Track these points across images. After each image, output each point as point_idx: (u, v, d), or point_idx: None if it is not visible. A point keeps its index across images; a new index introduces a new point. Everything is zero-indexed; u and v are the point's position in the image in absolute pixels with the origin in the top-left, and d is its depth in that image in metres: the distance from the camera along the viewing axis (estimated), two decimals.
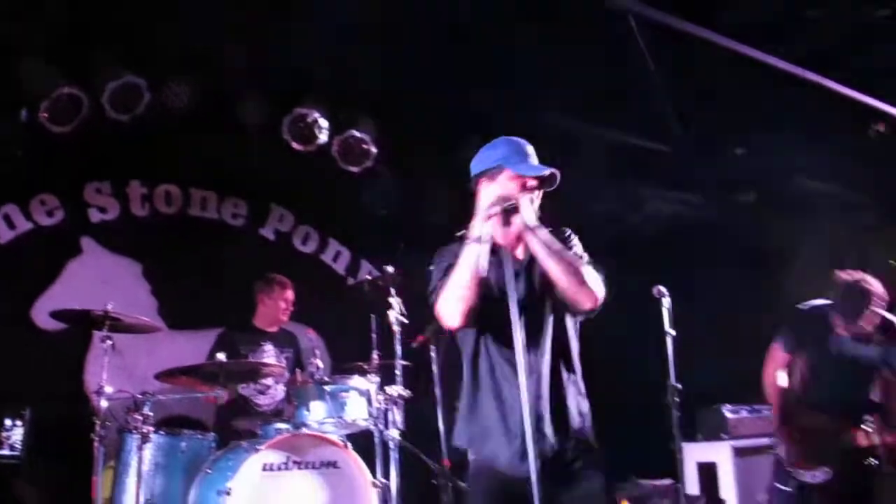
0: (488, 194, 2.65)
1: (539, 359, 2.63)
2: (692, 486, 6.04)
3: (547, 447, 2.54)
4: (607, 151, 6.34)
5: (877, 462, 4.22)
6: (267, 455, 3.96)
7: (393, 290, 4.60)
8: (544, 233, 2.65)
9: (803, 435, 4.39)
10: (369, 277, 4.97)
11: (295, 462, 4.03)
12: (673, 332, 4.01)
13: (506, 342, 2.56)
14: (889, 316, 4.38)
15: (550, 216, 2.79)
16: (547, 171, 2.72)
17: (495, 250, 2.66)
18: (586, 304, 2.66)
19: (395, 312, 4.53)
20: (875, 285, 4.36)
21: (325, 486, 4.05)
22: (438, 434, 5.04)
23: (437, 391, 5.04)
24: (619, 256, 6.58)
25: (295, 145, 5.62)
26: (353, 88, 5.68)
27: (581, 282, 2.62)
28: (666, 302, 3.97)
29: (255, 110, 5.51)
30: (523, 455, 2.43)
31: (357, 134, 5.76)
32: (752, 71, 5.16)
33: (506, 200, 2.60)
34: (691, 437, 6.09)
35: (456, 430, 2.76)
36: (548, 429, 2.57)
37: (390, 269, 4.59)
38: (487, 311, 2.59)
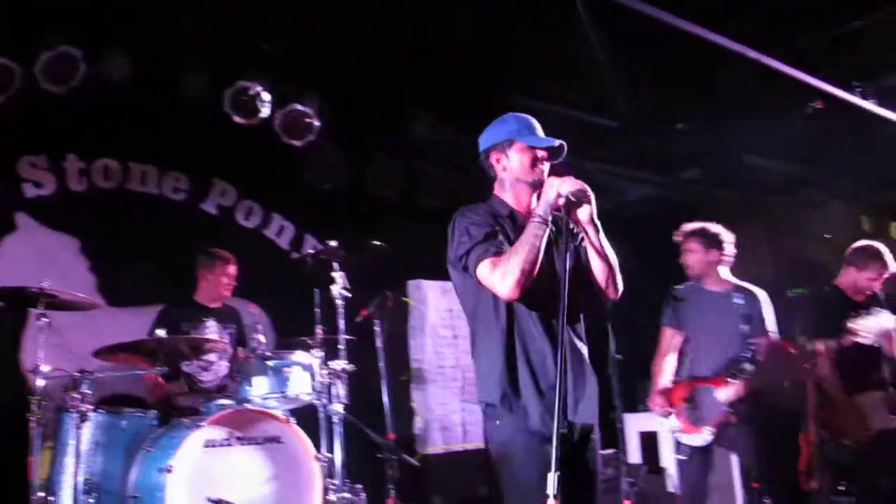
0: (559, 184, 2.68)
1: (567, 332, 2.71)
2: (634, 455, 6.16)
3: (574, 413, 2.75)
4: (554, 126, 6.35)
5: (735, 415, 4.29)
6: (209, 431, 3.92)
7: (336, 265, 4.59)
8: (600, 230, 2.80)
9: (686, 402, 4.48)
10: (312, 252, 4.92)
11: (238, 438, 4.00)
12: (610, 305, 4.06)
13: (542, 313, 2.75)
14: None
15: None
16: (556, 143, 2.89)
17: (514, 218, 2.87)
18: (611, 297, 2.91)
19: (339, 287, 4.52)
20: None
21: (268, 461, 4.03)
22: (383, 408, 5.06)
23: (382, 365, 5.05)
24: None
25: (237, 118, 5.53)
26: (297, 61, 5.60)
27: (615, 278, 2.86)
28: None
29: (197, 82, 5.39)
30: (551, 415, 2.48)
31: (300, 108, 5.68)
32: (695, 48, 5.20)
33: (580, 193, 2.66)
34: (633, 408, 6.21)
35: (485, 388, 2.82)
36: (575, 395, 2.77)
37: (333, 243, 4.57)
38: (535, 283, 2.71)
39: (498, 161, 2.96)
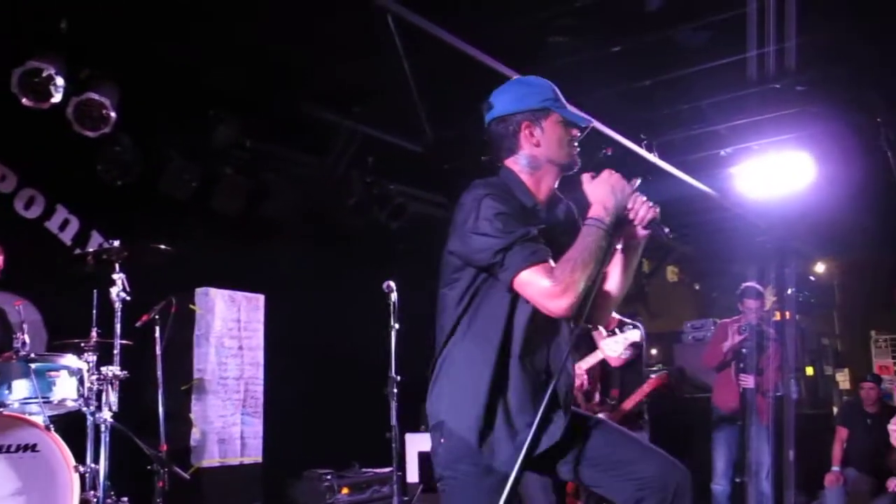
0: (632, 198, 2.37)
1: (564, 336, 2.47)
2: (412, 474, 6.27)
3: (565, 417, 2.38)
4: (360, 145, 6.42)
5: None
6: None
7: (118, 266, 4.36)
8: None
9: None
10: (92, 250, 4.65)
11: None
12: (397, 326, 4.13)
13: (545, 337, 2.39)
14: None
15: None
16: (592, 123, 2.53)
17: (536, 212, 2.44)
18: (605, 320, 2.68)
19: (119, 288, 4.30)
20: None
21: (22, 470, 3.76)
22: (158, 417, 4.85)
23: (160, 373, 4.84)
24: (361, 250, 6.75)
25: (25, 101, 5.13)
26: (98, 47, 5.30)
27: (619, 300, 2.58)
28: (393, 297, 4.09)
29: None
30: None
31: (96, 97, 5.36)
32: (498, 83, 5.44)
33: (654, 220, 2.38)
34: (415, 428, 6.32)
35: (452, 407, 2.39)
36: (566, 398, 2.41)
37: (117, 242, 4.34)
38: None
39: (532, 133, 2.43)
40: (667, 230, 2.40)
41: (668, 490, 2.33)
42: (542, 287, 2.21)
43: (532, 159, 2.45)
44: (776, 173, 7.47)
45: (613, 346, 4.97)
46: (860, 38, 5.39)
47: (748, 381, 6.01)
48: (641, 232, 2.44)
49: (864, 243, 10.16)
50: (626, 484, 2.35)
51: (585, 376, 5.07)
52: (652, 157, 6.92)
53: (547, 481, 4.34)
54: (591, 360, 5.01)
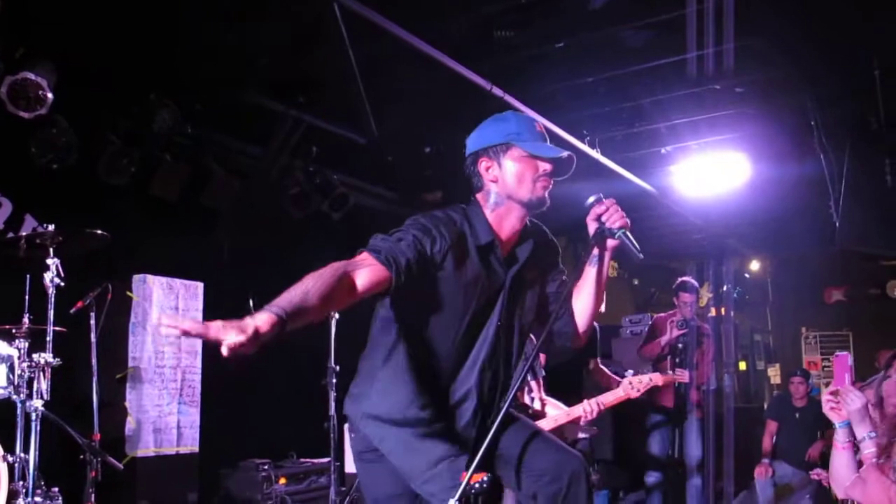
0: (606, 202, 2.41)
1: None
2: (351, 464, 6.27)
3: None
4: (304, 135, 6.38)
5: None
6: None
7: (52, 251, 4.26)
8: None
9: None
10: (24, 234, 4.54)
11: None
12: (337, 316, 4.13)
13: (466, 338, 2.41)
14: None
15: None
16: (564, 154, 2.40)
17: (492, 248, 2.43)
18: (579, 344, 2.59)
19: (52, 274, 4.21)
20: None
21: None
22: (91, 406, 4.76)
23: (94, 361, 4.75)
24: (302, 240, 6.71)
25: None
26: (35, 25, 5.16)
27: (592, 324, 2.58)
28: None
29: None
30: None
31: (33, 77, 5.22)
32: (449, 78, 5.46)
33: (624, 229, 2.41)
34: None
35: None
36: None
37: (52, 227, 4.24)
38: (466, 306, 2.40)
39: (488, 169, 2.43)
40: (636, 246, 2.42)
41: (563, 480, 2.38)
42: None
43: (495, 195, 2.44)
44: (714, 172, 7.65)
45: (638, 386, 5.00)
46: (797, 42, 5.54)
47: (684, 375, 6.15)
48: (611, 242, 2.45)
49: (797, 243, 10.46)
50: (524, 476, 2.40)
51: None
52: (594, 154, 7.02)
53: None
54: (611, 397, 5.00)
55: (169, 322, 1.80)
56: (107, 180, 5.57)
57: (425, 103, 6.26)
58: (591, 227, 2.45)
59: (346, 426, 5.75)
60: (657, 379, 5.06)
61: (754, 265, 12.42)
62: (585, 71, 5.99)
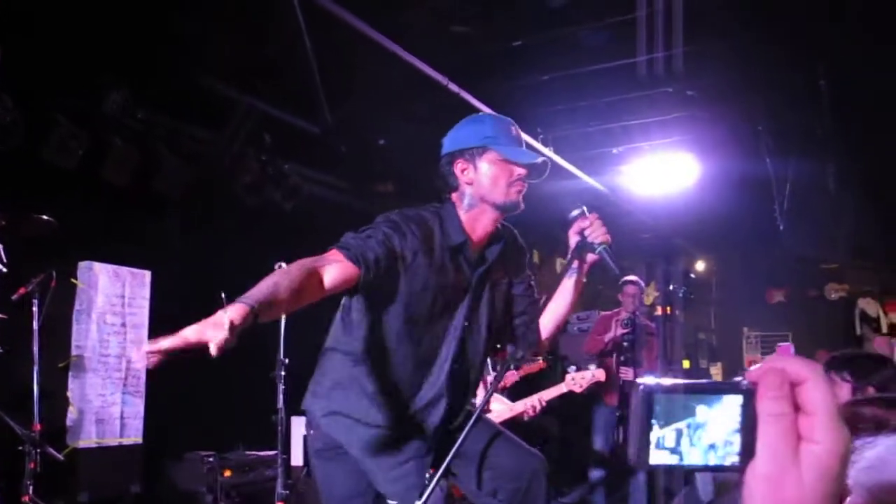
0: (590, 217, 2.46)
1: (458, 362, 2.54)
2: (297, 457, 6.23)
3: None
4: (257, 122, 6.31)
5: None
6: None
7: None
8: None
9: None
10: None
11: None
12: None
13: (434, 336, 2.46)
14: None
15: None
16: (539, 159, 2.45)
17: (463, 249, 2.47)
18: (544, 347, 2.67)
19: None
20: None
21: None
22: (32, 395, 4.65)
23: (36, 349, 4.64)
24: (254, 230, 6.64)
25: None
26: None
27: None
28: None
29: None
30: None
31: None
32: (406, 71, 5.46)
33: (605, 245, 2.46)
34: (300, 411, 6.27)
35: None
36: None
37: None
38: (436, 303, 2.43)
39: (463, 171, 2.46)
40: (614, 263, 2.47)
41: (523, 479, 2.43)
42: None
43: (469, 197, 2.47)
44: (663, 172, 7.79)
45: (580, 382, 5.07)
46: (747, 48, 5.66)
47: (628, 373, 6.26)
48: (591, 257, 2.50)
49: (741, 243, 10.70)
50: (485, 475, 2.44)
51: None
52: (548, 151, 7.08)
53: None
54: (553, 393, 5.07)
55: (148, 349, 1.76)
56: (54, 163, 5.44)
57: (381, 95, 6.25)
58: (573, 239, 2.49)
59: (293, 419, 5.73)
60: (600, 375, 5.16)
61: (700, 265, 12.65)
62: (541, 69, 6.04)
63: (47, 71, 5.46)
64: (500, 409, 4.85)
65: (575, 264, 2.54)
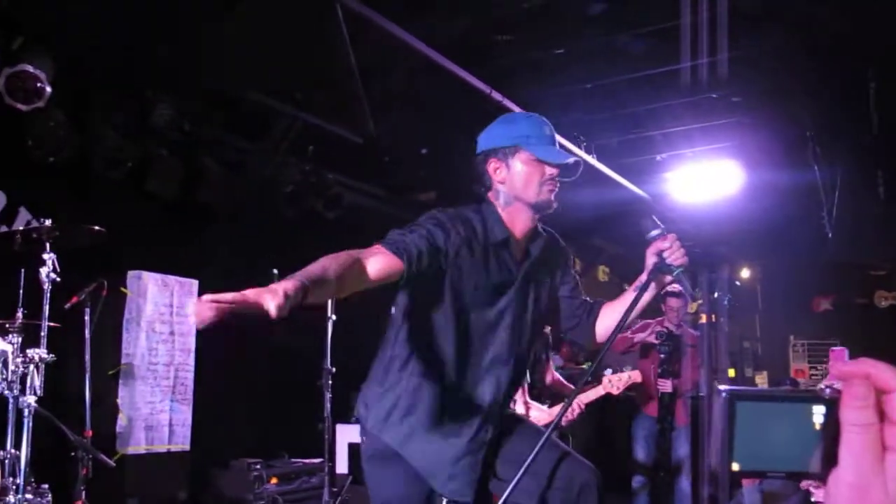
0: (670, 239, 2.43)
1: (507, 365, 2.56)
2: (342, 465, 6.26)
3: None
4: (300, 132, 6.38)
5: None
6: None
7: (48, 245, 4.25)
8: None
9: None
10: (19, 228, 4.52)
11: None
12: (334, 317, 4.13)
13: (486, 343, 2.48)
14: None
15: None
16: (571, 160, 2.46)
17: (507, 245, 2.50)
18: (593, 348, 2.76)
19: (48, 268, 4.19)
20: None
21: None
22: (84, 402, 4.74)
23: (87, 357, 4.74)
24: (297, 238, 6.71)
25: None
26: (34, 17, 5.14)
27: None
28: None
29: None
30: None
31: (31, 69, 5.20)
32: (448, 82, 5.48)
33: (683, 268, 2.43)
34: (345, 419, 6.31)
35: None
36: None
37: (48, 221, 4.23)
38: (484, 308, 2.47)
39: (496, 171, 2.49)
40: (691, 287, 2.48)
41: (574, 489, 2.41)
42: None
43: (504, 195, 2.50)
44: (707, 180, 7.70)
45: (617, 384, 5.07)
46: (793, 53, 5.59)
47: (666, 385, 6.20)
48: (667, 279, 2.49)
49: (787, 251, 10.52)
50: (531, 481, 2.43)
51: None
52: (590, 159, 7.05)
53: None
54: (591, 395, 5.05)
55: (207, 298, 1.77)
56: (103, 175, 5.55)
57: (423, 104, 6.27)
58: (650, 259, 2.48)
59: (338, 426, 5.77)
60: (636, 376, 5.12)
61: (745, 273, 12.47)
62: (583, 77, 6.02)
63: (96, 86, 5.59)
64: (538, 415, 4.83)
65: (644, 279, 2.53)
